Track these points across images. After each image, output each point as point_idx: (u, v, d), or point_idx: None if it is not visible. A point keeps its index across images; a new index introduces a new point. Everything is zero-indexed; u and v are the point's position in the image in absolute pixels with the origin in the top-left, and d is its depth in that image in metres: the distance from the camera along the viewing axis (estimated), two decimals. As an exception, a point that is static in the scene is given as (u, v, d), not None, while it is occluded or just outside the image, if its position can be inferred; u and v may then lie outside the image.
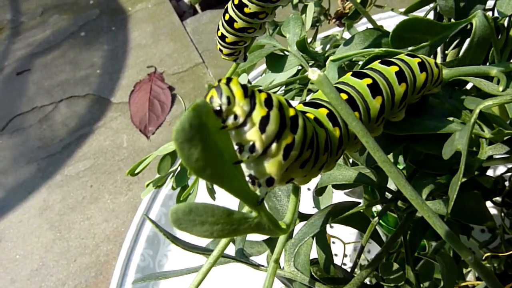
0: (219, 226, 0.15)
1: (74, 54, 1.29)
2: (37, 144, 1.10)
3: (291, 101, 0.43)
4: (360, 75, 0.23)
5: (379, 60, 0.24)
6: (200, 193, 0.40)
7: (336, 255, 0.65)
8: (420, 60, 0.25)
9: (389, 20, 1.05)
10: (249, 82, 0.48)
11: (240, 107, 0.16)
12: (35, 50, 1.31)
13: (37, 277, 0.89)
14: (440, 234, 0.20)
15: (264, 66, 0.86)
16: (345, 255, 0.63)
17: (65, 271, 0.89)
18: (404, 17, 0.54)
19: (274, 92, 0.44)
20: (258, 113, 0.16)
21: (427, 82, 0.25)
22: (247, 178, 0.17)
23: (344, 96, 0.22)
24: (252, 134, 0.16)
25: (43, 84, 1.23)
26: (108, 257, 0.90)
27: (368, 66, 0.24)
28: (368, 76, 0.23)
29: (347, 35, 0.65)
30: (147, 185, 0.43)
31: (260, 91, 0.17)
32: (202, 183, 0.40)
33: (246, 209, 0.22)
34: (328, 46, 0.64)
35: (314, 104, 0.21)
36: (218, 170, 0.14)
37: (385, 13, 1.04)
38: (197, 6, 1.32)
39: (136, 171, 0.39)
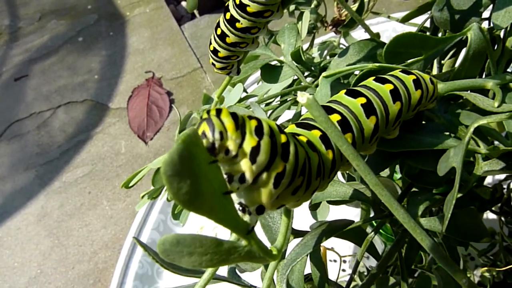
0: (207, 257, 0.14)
1: (72, 59, 1.29)
2: (35, 151, 1.10)
3: (286, 111, 0.43)
4: (354, 94, 0.22)
5: (373, 78, 0.24)
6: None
7: (335, 261, 0.64)
8: (415, 77, 0.24)
9: (387, 24, 1.05)
10: (244, 91, 0.47)
11: (232, 141, 0.15)
12: (33, 56, 1.31)
13: (35, 284, 0.89)
14: (434, 257, 0.20)
15: (259, 73, 0.85)
16: (342, 270, 0.62)
17: (64, 278, 0.89)
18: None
19: (269, 103, 0.43)
20: (249, 143, 0.15)
21: (422, 99, 0.24)
22: (237, 206, 0.16)
23: (337, 117, 0.21)
24: (243, 165, 0.16)
25: (41, 90, 1.22)
26: (106, 264, 0.89)
27: (362, 83, 0.24)
28: (362, 95, 0.22)
29: (344, 41, 0.65)
30: (142, 197, 0.42)
31: (250, 118, 0.17)
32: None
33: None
34: (325, 52, 0.64)
35: (307, 126, 0.21)
36: (207, 202, 0.14)
37: (382, 17, 1.04)
38: (195, 11, 1.32)
39: (131, 184, 0.39)
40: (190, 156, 0.13)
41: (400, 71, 0.25)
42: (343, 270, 0.69)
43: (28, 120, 1.17)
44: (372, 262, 0.66)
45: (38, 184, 1.04)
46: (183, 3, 1.39)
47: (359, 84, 0.24)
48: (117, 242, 0.92)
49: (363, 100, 0.22)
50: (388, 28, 1.04)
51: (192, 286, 0.26)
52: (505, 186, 0.50)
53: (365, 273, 0.56)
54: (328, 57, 0.61)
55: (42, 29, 1.38)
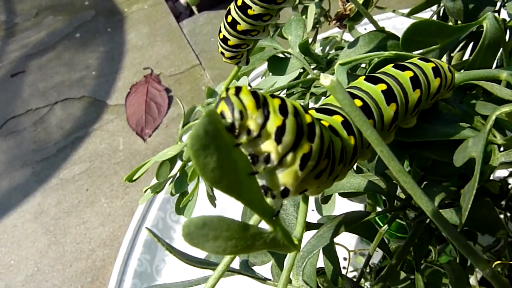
0: (233, 242, 0.14)
1: (69, 55, 1.27)
2: (31, 147, 1.08)
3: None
4: (374, 80, 0.22)
5: (392, 64, 0.23)
6: (200, 200, 0.39)
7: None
8: (434, 65, 0.24)
9: (388, 22, 1.04)
10: (249, 85, 0.46)
11: (253, 120, 0.14)
12: (29, 52, 1.30)
13: (32, 282, 0.87)
14: (457, 246, 0.19)
15: (263, 67, 0.85)
16: (343, 267, 0.62)
17: (61, 276, 0.87)
18: (403, 19, 0.53)
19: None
20: (273, 123, 0.15)
21: (440, 87, 0.24)
22: (261, 190, 0.16)
23: (358, 102, 0.21)
24: (268, 146, 0.15)
25: (38, 86, 1.21)
26: (104, 262, 0.88)
27: (381, 70, 0.23)
28: (382, 81, 0.22)
29: (347, 37, 0.65)
30: (145, 191, 0.42)
31: (273, 96, 0.16)
32: (202, 190, 0.39)
33: (252, 221, 0.21)
34: (327, 48, 0.64)
35: (327, 111, 0.20)
36: (234, 181, 0.13)
37: (383, 14, 1.04)
38: (194, 8, 1.31)
39: (134, 177, 0.38)
40: (216, 130, 0.13)
41: (418, 59, 0.24)
42: (344, 268, 0.68)
43: (24, 116, 1.15)
44: (374, 259, 0.65)
45: (34, 181, 1.02)
46: (181, 0, 1.38)
47: (378, 71, 0.23)
48: (115, 239, 0.91)
49: (383, 86, 0.22)
50: (388, 26, 1.03)
51: (202, 280, 0.26)
52: (510, 182, 0.50)
53: (368, 270, 0.55)
54: (331, 52, 0.60)
55: (39, 25, 1.36)
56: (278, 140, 0.15)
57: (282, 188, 0.15)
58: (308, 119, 0.16)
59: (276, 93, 0.42)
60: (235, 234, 0.13)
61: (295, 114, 0.15)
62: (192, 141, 0.12)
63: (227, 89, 0.15)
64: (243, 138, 0.14)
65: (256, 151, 0.15)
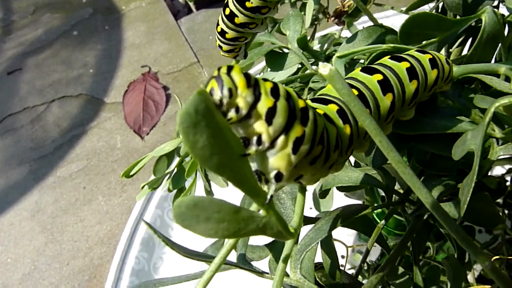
0: (224, 224, 0.14)
1: (67, 53, 1.27)
2: (28, 145, 1.08)
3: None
4: (370, 71, 0.22)
5: (389, 56, 0.23)
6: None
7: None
8: (431, 57, 0.24)
9: (386, 21, 1.04)
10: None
11: (242, 98, 0.14)
12: (26, 50, 1.29)
13: (29, 281, 0.87)
14: (457, 239, 0.19)
15: (262, 63, 0.84)
16: (342, 265, 0.62)
17: (58, 274, 0.87)
18: (401, 17, 0.53)
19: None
20: (264, 104, 0.15)
21: (438, 79, 0.24)
22: (254, 175, 0.16)
23: (354, 92, 0.20)
24: (259, 126, 0.15)
25: (35, 84, 1.21)
26: (102, 260, 0.88)
27: (378, 62, 0.23)
28: (378, 71, 0.21)
29: (345, 34, 0.64)
30: (142, 187, 0.41)
31: (265, 80, 0.16)
32: (200, 185, 0.39)
33: (252, 208, 0.21)
34: (326, 45, 0.63)
35: (323, 100, 0.20)
36: (225, 160, 0.13)
37: (381, 13, 1.04)
38: (192, 5, 1.30)
39: (131, 173, 0.38)
40: (206, 109, 0.13)
41: (415, 51, 0.24)
42: (341, 265, 0.68)
43: (21, 114, 1.15)
44: (372, 257, 0.65)
45: (32, 179, 1.02)
46: (180, -2, 1.38)
47: (375, 63, 0.23)
48: (112, 237, 0.91)
49: (379, 76, 0.21)
50: (386, 24, 1.03)
51: (199, 275, 0.26)
52: (508, 179, 0.50)
53: (365, 267, 0.55)
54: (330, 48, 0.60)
55: (36, 22, 1.36)
56: (269, 121, 0.15)
57: (275, 172, 0.15)
58: (301, 103, 0.16)
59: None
60: (227, 216, 0.13)
61: (287, 97, 0.15)
62: (181, 119, 0.12)
63: (219, 68, 0.15)
64: (231, 115, 0.14)
65: (248, 132, 0.15)
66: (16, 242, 0.93)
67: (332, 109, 0.19)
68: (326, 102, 0.20)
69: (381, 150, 0.18)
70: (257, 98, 0.15)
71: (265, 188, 0.16)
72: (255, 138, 0.15)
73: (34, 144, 1.08)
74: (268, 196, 0.15)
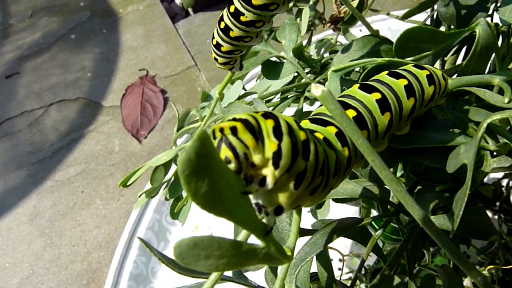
0: (224, 260, 0.14)
1: (65, 57, 1.27)
2: (27, 149, 1.08)
3: (288, 109, 0.42)
4: (368, 89, 0.22)
5: (386, 72, 0.23)
6: (195, 206, 0.39)
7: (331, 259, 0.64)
8: (428, 73, 0.24)
9: (382, 23, 1.04)
10: (243, 88, 0.46)
11: (256, 156, 0.14)
12: (24, 53, 1.29)
13: (27, 285, 0.87)
14: (449, 254, 0.19)
15: (256, 69, 0.85)
16: (338, 269, 0.62)
17: (56, 279, 0.87)
18: (397, 20, 0.53)
19: (270, 100, 0.43)
20: (269, 149, 0.14)
21: (435, 95, 0.24)
22: (253, 206, 0.16)
23: (352, 112, 0.20)
24: (266, 171, 0.15)
25: (33, 88, 1.21)
26: (100, 264, 0.88)
27: (375, 78, 0.23)
28: (377, 90, 0.22)
29: (341, 38, 0.65)
30: (140, 196, 0.42)
31: (266, 116, 0.15)
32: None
33: (243, 234, 0.21)
34: (322, 50, 0.64)
35: (322, 121, 0.20)
36: (226, 203, 0.13)
37: (378, 15, 1.04)
38: (189, 9, 1.31)
39: (129, 183, 0.38)
40: (208, 153, 0.13)
41: (413, 66, 0.24)
42: (339, 269, 0.68)
43: (19, 118, 1.15)
44: (369, 261, 0.65)
45: (30, 183, 1.02)
46: (177, 1, 1.38)
47: (372, 79, 0.23)
48: (110, 242, 0.91)
49: (378, 95, 0.21)
50: (383, 27, 1.04)
51: (196, 287, 0.26)
52: (504, 184, 0.50)
53: (363, 272, 0.55)
54: (326, 55, 0.60)
55: (34, 26, 1.36)
56: (276, 165, 0.14)
57: (275, 206, 0.15)
58: (302, 136, 0.16)
59: (270, 97, 0.42)
60: (227, 252, 0.13)
61: (289, 133, 0.15)
62: (183, 166, 0.11)
63: (221, 129, 0.14)
64: (245, 169, 0.14)
65: (252, 173, 0.15)
66: (14, 247, 0.93)
67: (331, 131, 0.19)
68: (324, 123, 0.19)
69: (374, 169, 0.18)
70: (263, 144, 0.15)
71: (264, 219, 0.16)
72: (258, 179, 0.15)
73: (32, 148, 1.08)
74: (268, 229, 0.15)
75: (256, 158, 0.14)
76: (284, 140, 0.15)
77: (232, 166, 0.14)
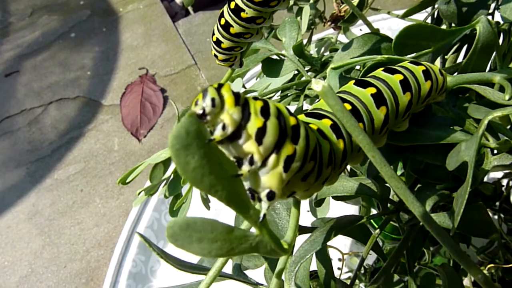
0: (217, 244, 0.14)
1: (64, 55, 1.27)
2: (26, 148, 1.08)
3: (288, 107, 0.42)
4: (363, 84, 0.22)
5: (382, 68, 0.23)
6: (194, 203, 0.39)
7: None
8: (424, 68, 0.24)
9: (383, 22, 1.04)
10: (243, 86, 0.46)
11: (229, 115, 0.14)
12: (24, 52, 1.29)
13: (26, 284, 0.87)
14: (450, 252, 0.19)
15: (257, 68, 0.85)
16: (338, 268, 0.62)
17: (55, 277, 0.87)
18: (398, 19, 0.53)
19: (270, 98, 0.43)
20: (254, 124, 0.15)
21: (431, 91, 0.24)
22: (247, 194, 0.16)
23: (347, 106, 0.20)
24: (249, 146, 0.15)
25: (33, 86, 1.20)
26: (99, 263, 0.88)
27: (371, 74, 0.23)
28: (372, 85, 0.22)
29: (342, 38, 0.65)
30: (139, 193, 0.41)
31: (255, 98, 0.16)
32: (197, 193, 0.39)
33: (244, 225, 0.21)
34: (322, 49, 0.63)
35: (317, 115, 0.20)
36: (216, 181, 0.13)
37: (378, 15, 1.04)
38: (189, 7, 1.30)
39: (128, 180, 0.38)
40: (198, 130, 0.13)
41: (409, 62, 0.24)
42: (338, 269, 0.68)
43: (19, 116, 1.15)
44: (369, 260, 0.65)
45: (29, 181, 1.02)
46: (177, 0, 1.38)
47: (368, 75, 0.23)
48: (110, 240, 0.90)
49: (373, 90, 0.21)
50: (383, 26, 1.03)
51: (195, 285, 0.26)
52: (504, 184, 0.50)
53: (362, 272, 0.55)
54: (326, 54, 0.60)
55: (34, 24, 1.36)
56: (259, 141, 0.15)
57: (267, 190, 0.15)
58: (292, 121, 0.16)
59: (270, 95, 0.42)
60: (220, 236, 0.13)
61: (278, 116, 0.15)
62: (172, 141, 0.12)
63: (210, 85, 0.15)
64: (218, 134, 0.14)
65: (239, 153, 0.15)
66: (13, 245, 0.93)
67: (325, 124, 0.19)
68: (320, 116, 0.20)
69: (375, 165, 0.18)
70: (246, 118, 0.15)
71: (258, 206, 0.16)
72: (247, 158, 0.15)
73: (31, 147, 1.08)
74: (261, 215, 0.15)
75: (227, 117, 0.14)
76: (271, 120, 0.15)
77: (196, 108, 0.14)
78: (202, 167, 0.13)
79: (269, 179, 0.15)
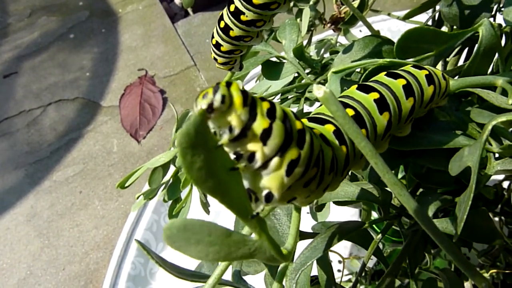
0: (215, 248, 0.13)
1: (63, 56, 1.26)
2: (24, 149, 1.07)
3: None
4: (366, 89, 0.21)
5: (384, 72, 0.23)
6: (194, 207, 0.39)
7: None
8: (427, 72, 0.23)
9: (382, 24, 1.04)
10: (243, 88, 0.46)
11: (237, 116, 0.14)
12: (22, 53, 1.29)
13: (24, 286, 0.86)
14: (453, 260, 0.19)
15: (256, 70, 0.84)
16: (338, 270, 0.61)
17: (54, 280, 0.87)
18: (397, 21, 0.53)
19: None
20: (259, 125, 0.14)
21: (434, 95, 0.23)
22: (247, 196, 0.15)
23: (350, 112, 0.20)
24: (253, 146, 0.15)
25: (31, 88, 1.20)
26: (98, 265, 0.87)
27: (374, 79, 0.23)
28: (374, 90, 0.21)
29: (342, 39, 0.64)
30: (138, 197, 0.41)
31: (262, 99, 0.15)
32: (196, 196, 0.39)
33: (245, 231, 0.21)
34: (322, 51, 0.63)
35: (319, 120, 0.20)
36: (220, 183, 0.13)
37: (378, 16, 1.03)
38: (188, 8, 1.30)
39: (127, 184, 0.38)
40: (206, 131, 0.13)
41: (411, 66, 0.24)
42: (339, 271, 0.68)
43: (17, 118, 1.14)
44: (369, 263, 0.65)
45: (28, 183, 1.01)
46: (177, 1, 1.37)
47: (371, 79, 0.23)
48: (109, 242, 0.90)
49: (376, 95, 0.21)
50: (383, 28, 1.03)
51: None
52: (505, 186, 0.50)
53: (363, 274, 0.55)
54: (326, 55, 0.60)
55: (32, 25, 1.35)
56: (264, 142, 0.14)
57: (266, 191, 0.15)
58: (298, 125, 0.16)
59: (270, 98, 0.42)
60: (218, 240, 0.13)
61: (284, 119, 0.15)
62: (181, 139, 0.12)
63: (218, 82, 0.15)
64: (226, 138, 0.14)
65: (242, 150, 0.15)
66: (11, 247, 0.92)
67: (328, 129, 0.19)
68: (322, 122, 0.19)
69: (377, 172, 0.18)
70: (252, 118, 0.14)
71: (254, 206, 0.15)
72: (247, 154, 0.14)
73: (30, 148, 1.08)
74: (254, 213, 0.15)
75: (234, 119, 0.14)
76: (277, 122, 0.15)
77: (204, 100, 0.13)
78: (207, 168, 0.12)
79: (269, 180, 0.15)
